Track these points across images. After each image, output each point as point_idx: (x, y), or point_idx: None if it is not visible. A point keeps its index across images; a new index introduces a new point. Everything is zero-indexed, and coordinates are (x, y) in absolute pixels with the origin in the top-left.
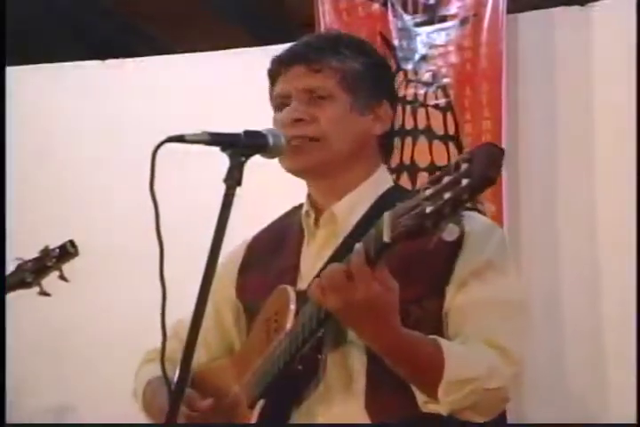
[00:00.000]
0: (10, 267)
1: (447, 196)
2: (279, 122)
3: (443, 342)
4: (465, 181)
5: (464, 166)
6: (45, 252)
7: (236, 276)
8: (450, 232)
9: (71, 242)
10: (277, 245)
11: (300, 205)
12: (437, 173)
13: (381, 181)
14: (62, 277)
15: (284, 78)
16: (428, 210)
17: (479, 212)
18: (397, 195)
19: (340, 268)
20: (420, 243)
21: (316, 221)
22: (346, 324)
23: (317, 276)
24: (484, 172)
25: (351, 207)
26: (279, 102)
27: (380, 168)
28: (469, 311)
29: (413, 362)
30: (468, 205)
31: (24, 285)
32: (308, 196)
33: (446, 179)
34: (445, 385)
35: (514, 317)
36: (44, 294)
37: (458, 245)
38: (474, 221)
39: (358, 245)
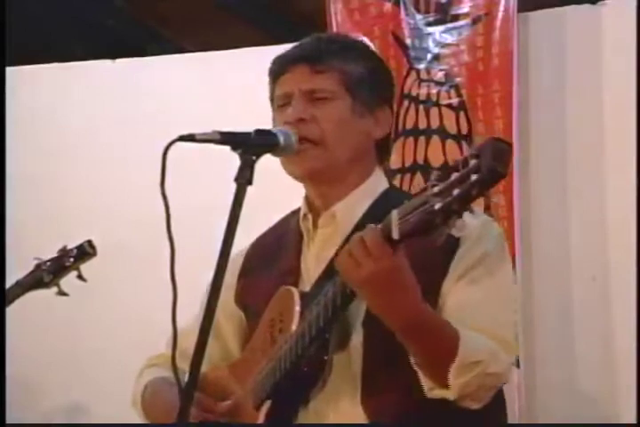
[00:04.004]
0: (20, 267)
1: (456, 192)
2: (281, 122)
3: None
4: (474, 177)
5: (472, 162)
6: (64, 252)
7: (234, 284)
8: (459, 228)
9: (89, 242)
10: (276, 249)
11: (297, 210)
12: (445, 170)
13: (378, 182)
14: (80, 278)
15: (286, 78)
16: (437, 206)
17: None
18: (394, 195)
19: (360, 242)
20: (422, 240)
21: (315, 223)
22: (367, 297)
23: (320, 276)
24: (492, 166)
25: (350, 208)
26: (281, 102)
27: (376, 170)
28: (465, 305)
29: (430, 340)
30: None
31: (42, 284)
32: (306, 198)
33: (455, 175)
34: (458, 367)
35: (506, 310)
36: (62, 293)
37: (456, 240)
38: (472, 217)
39: (374, 226)
